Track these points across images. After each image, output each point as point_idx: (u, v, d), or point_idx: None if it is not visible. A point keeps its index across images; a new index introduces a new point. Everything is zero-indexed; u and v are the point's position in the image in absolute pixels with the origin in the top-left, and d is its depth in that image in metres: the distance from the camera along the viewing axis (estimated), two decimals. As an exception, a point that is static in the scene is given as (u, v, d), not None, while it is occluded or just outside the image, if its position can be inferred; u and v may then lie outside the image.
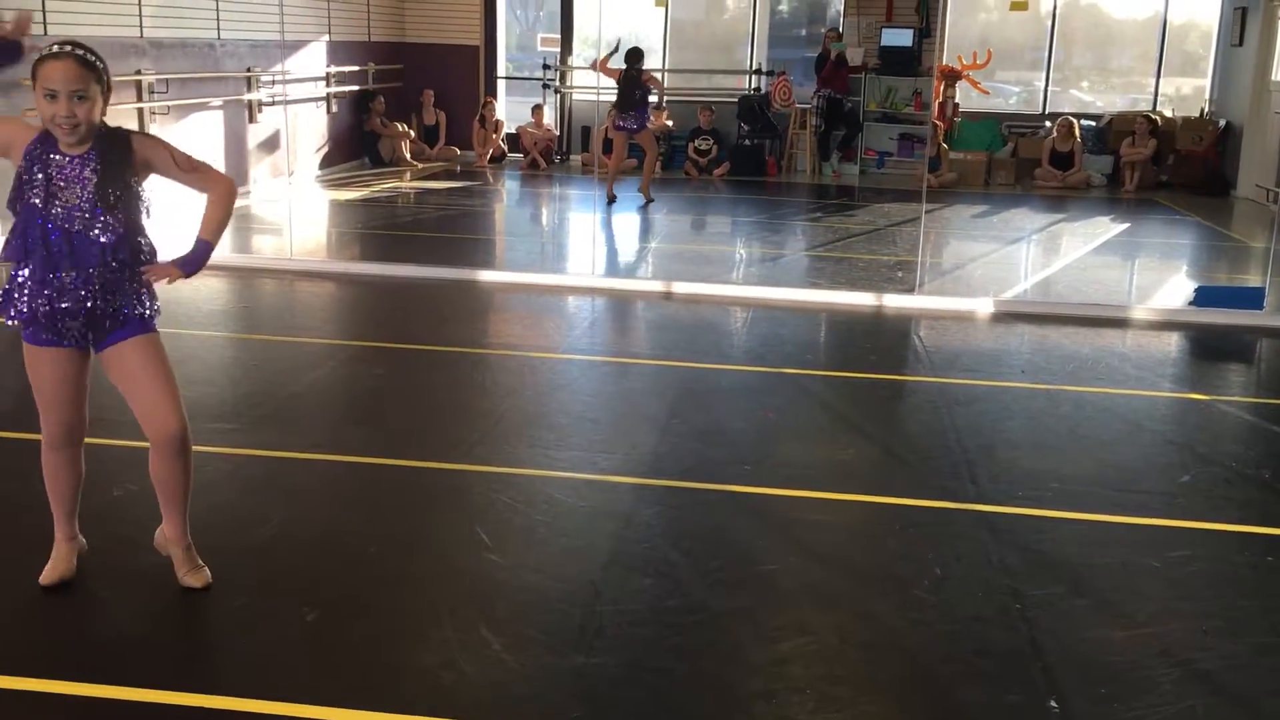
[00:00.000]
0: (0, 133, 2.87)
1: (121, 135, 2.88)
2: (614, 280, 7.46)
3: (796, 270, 8.36)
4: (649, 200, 10.75)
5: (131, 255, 2.88)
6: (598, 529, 3.60)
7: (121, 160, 2.84)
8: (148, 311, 2.96)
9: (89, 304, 2.84)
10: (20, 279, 2.84)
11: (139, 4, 8.92)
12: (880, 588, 3.30)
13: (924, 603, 3.19)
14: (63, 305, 2.83)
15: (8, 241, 2.86)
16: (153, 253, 2.95)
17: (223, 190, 2.99)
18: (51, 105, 2.74)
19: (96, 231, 2.81)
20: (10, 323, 2.89)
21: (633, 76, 10.42)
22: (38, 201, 2.79)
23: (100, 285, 2.84)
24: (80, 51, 2.77)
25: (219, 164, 10.17)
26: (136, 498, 3.64)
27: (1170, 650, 2.97)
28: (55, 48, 2.77)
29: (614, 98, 10.59)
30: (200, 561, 3.10)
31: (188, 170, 2.93)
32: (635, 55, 10.52)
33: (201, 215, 2.97)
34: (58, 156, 2.80)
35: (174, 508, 3.06)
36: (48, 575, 3.07)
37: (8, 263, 2.87)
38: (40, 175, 2.79)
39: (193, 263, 2.94)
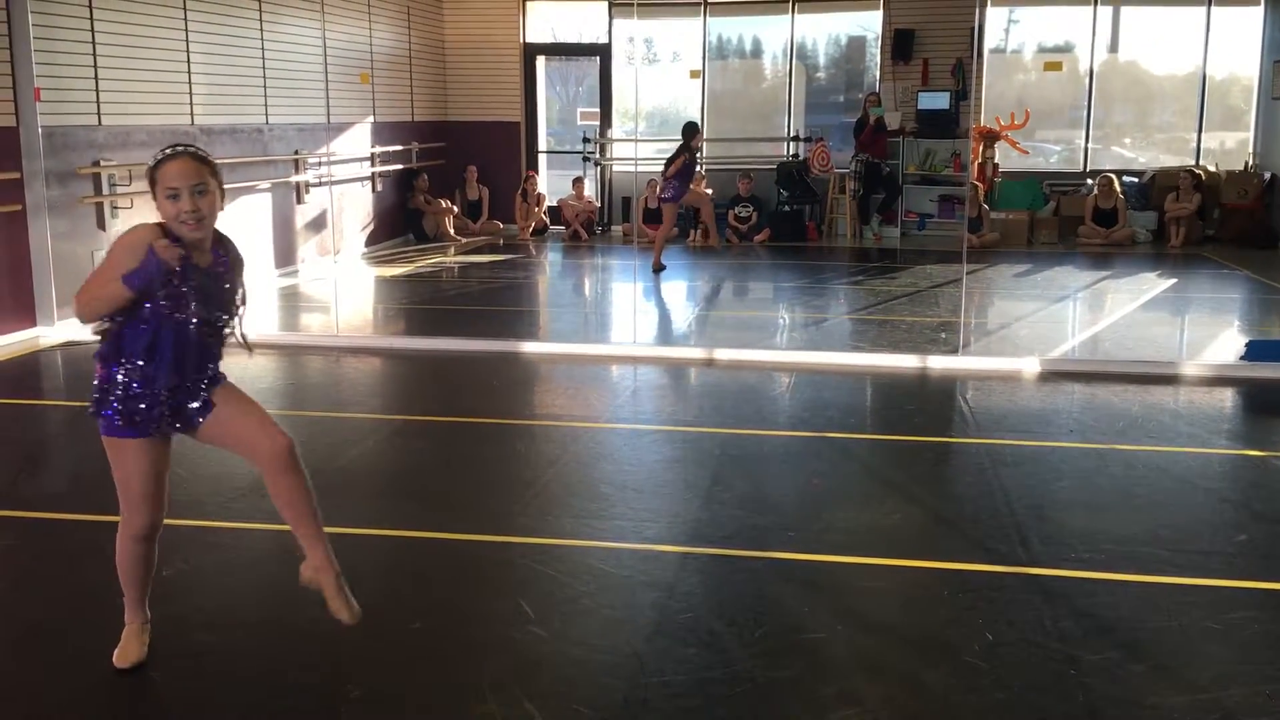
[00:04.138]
0: (139, 253, 2.82)
1: (232, 243, 2.99)
2: (656, 348, 7.48)
3: (839, 334, 8.34)
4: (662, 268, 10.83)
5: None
6: (641, 599, 3.57)
7: (237, 263, 2.97)
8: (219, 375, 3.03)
9: (193, 400, 2.91)
10: (121, 378, 2.87)
11: (190, 93, 9.19)
12: (930, 655, 3.23)
13: (976, 670, 3.12)
14: (172, 403, 2.89)
15: (108, 344, 2.89)
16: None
17: None
18: (175, 204, 2.80)
19: (216, 332, 2.92)
20: (102, 420, 2.92)
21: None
22: (168, 306, 2.84)
23: (207, 382, 2.94)
24: (193, 149, 2.87)
25: (267, 245, 10.42)
26: (187, 577, 3.68)
27: (1233, 716, 2.88)
28: (169, 150, 2.86)
29: (660, 170, 10.85)
30: (350, 594, 3.04)
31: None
32: (687, 131, 10.79)
33: None
34: (207, 268, 2.88)
35: (310, 530, 2.99)
36: (123, 658, 3.09)
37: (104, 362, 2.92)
38: (175, 281, 2.82)
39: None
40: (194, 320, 2.87)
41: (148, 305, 2.83)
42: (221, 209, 2.91)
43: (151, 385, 2.88)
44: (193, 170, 2.82)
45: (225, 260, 2.93)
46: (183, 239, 2.83)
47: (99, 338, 2.92)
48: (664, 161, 10.84)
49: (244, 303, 3.00)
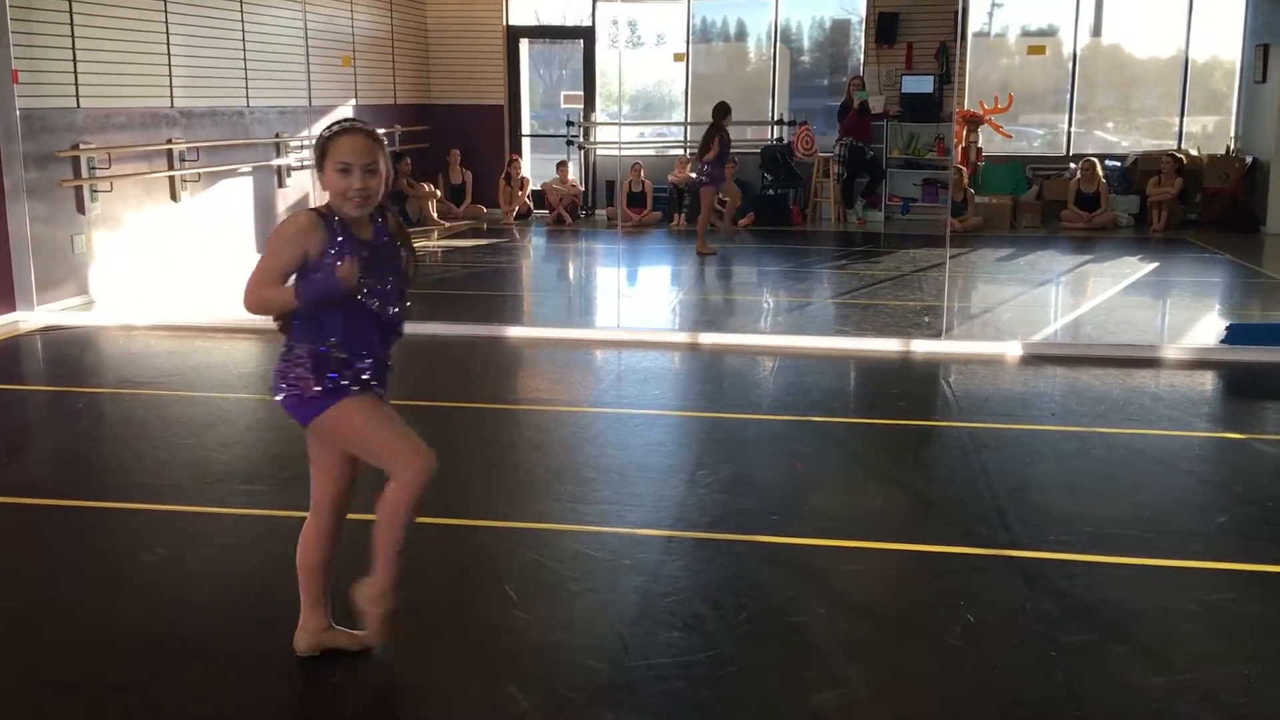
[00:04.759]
0: (299, 243, 2.79)
1: (391, 210, 2.97)
2: (640, 333, 7.47)
3: (823, 318, 8.35)
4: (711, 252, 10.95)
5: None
6: (625, 583, 3.57)
7: (399, 228, 2.96)
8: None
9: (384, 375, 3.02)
10: (331, 351, 2.88)
11: (169, 75, 9.12)
12: (912, 637, 3.25)
13: (957, 652, 3.14)
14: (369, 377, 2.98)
15: (305, 327, 2.87)
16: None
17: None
18: (345, 179, 2.76)
19: (399, 306, 2.94)
20: (320, 395, 2.92)
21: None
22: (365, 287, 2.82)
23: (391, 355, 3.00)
24: (367, 126, 2.84)
25: (249, 228, 10.35)
26: (169, 562, 3.66)
27: (1212, 697, 2.90)
28: (346, 124, 2.83)
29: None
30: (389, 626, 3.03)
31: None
32: (720, 110, 10.90)
33: None
34: (370, 241, 2.85)
35: (398, 554, 3.00)
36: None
37: (306, 344, 2.88)
38: (358, 259, 2.80)
39: None
40: (370, 293, 2.83)
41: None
42: (386, 189, 2.87)
43: (358, 356, 2.90)
44: (366, 148, 2.78)
45: (386, 229, 2.91)
46: (344, 217, 2.80)
47: (279, 326, 2.91)
48: (699, 144, 10.84)
49: (415, 261, 2.99)
